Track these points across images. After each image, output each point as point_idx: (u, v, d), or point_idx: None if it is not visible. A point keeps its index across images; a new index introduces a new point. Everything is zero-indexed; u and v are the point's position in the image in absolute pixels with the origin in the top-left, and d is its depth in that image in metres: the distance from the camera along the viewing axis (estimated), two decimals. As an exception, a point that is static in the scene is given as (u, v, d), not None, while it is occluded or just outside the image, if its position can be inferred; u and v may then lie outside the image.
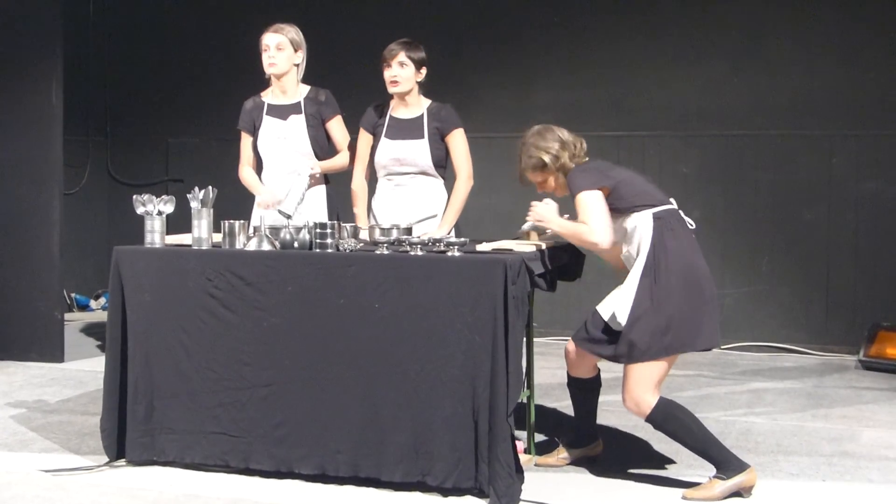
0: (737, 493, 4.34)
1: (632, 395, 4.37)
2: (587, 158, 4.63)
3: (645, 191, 4.46)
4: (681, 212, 4.51)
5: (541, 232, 4.82)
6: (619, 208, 4.42)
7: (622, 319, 4.34)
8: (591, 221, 4.35)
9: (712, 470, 4.36)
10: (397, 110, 5.44)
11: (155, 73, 9.51)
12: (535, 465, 4.80)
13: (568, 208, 4.63)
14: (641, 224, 4.40)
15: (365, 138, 5.52)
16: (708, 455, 4.35)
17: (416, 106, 5.42)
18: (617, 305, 4.38)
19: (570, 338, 4.68)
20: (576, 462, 4.80)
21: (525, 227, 4.81)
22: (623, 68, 8.18)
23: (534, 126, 4.66)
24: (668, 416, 4.34)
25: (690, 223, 4.50)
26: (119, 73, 9.64)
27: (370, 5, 8.78)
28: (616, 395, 5.62)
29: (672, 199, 4.53)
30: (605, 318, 4.42)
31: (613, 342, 4.39)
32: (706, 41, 7.98)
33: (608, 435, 5.20)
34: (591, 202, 4.37)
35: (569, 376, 4.77)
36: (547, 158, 4.54)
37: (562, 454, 4.82)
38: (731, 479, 4.29)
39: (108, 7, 9.62)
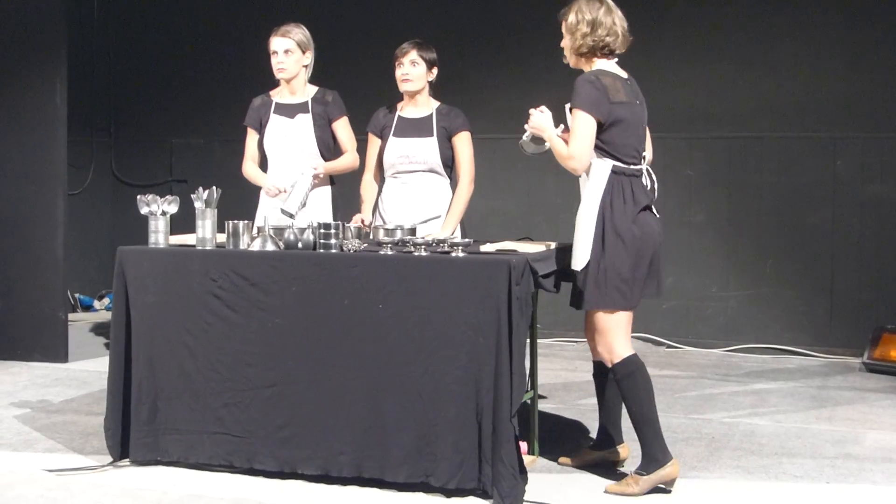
0: (661, 488, 4.36)
1: (605, 340, 4.46)
2: (609, 57, 4.62)
3: (623, 143, 4.47)
4: (647, 170, 4.57)
5: (539, 142, 4.78)
6: (594, 145, 4.44)
7: (576, 265, 4.44)
8: (574, 147, 4.36)
9: (718, 471, 4.36)
10: (405, 110, 5.46)
11: (159, 74, 9.52)
12: (559, 463, 4.79)
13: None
14: (599, 171, 4.43)
15: (373, 143, 5.54)
16: (640, 432, 4.38)
17: (425, 106, 5.45)
18: (573, 252, 4.48)
19: (579, 336, 4.72)
20: (598, 464, 4.77)
21: (525, 136, 4.74)
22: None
23: None
24: (628, 375, 4.40)
25: (648, 179, 4.56)
26: (123, 74, 9.65)
27: (374, 6, 8.79)
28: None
29: (645, 156, 4.60)
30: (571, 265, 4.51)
31: (587, 291, 4.45)
32: (711, 43, 7.97)
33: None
34: (581, 125, 4.38)
35: (593, 363, 4.77)
36: (571, 18, 4.59)
37: (587, 455, 4.80)
38: (652, 473, 4.32)
39: (112, 8, 9.63)
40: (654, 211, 4.53)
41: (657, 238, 4.48)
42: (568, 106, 4.52)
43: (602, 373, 4.76)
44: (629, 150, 4.50)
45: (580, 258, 4.42)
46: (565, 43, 4.67)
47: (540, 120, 4.60)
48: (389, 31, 8.28)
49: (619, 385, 4.45)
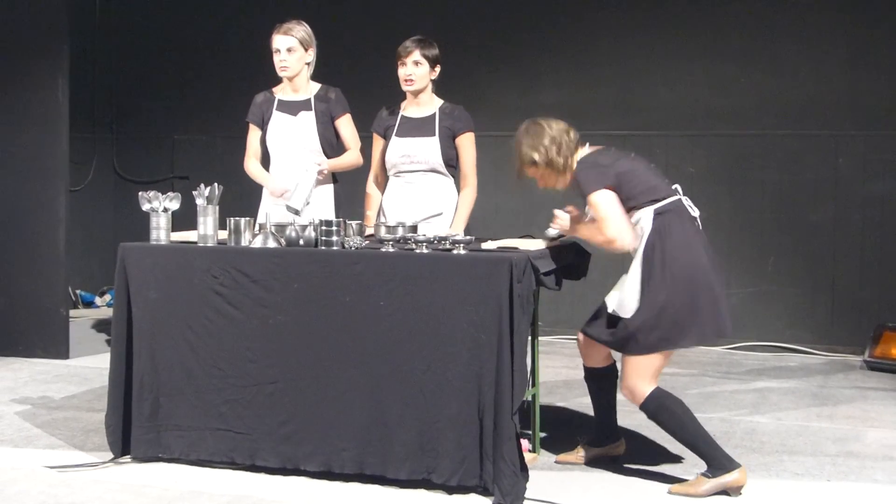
0: (724, 493, 4.35)
1: (627, 384, 4.44)
2: (581, 147, 4.60)
3: (648, 185, 4.46)
4: (684, 199, 4.51)
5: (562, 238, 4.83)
6: (623, 204, 4.42)
7: (622, 312, 4.39)
8: (611, 230, 4.36)
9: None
10: (408, 109, 5.43)
11: (161, 71, 9.52)
12: (556, 462, 4.80)
13: (573, 201, 4.69)
14: (644, 220, 4.42)
15: (377, 143, 5.51)
16: (697, 450, 4.38)
17: (428, 105, 5.41)
18: (619, 298, 4.44)
19: (579, 330, 4.73)
20: (596, 461, 4.79)
21: (551, 233, 4.74)
22: (630, 67, 8.17)
23: (524, 123, 4.65)
24: (661, 407, 4.38)
25: (693, 210, 4.52)
26: (125, 70, 9.65)
27: (377, 2, 8.78)
28: (620, 394, 5.62)
29: (677, 186, 4.55)
30: (609, 308, 4.48)
31: (612, 331, 4.45)
32: (713, 41, 7.97)
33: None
34: (605, 204, 4.39)
35: (584, 368, 4.79)
36: (537, 157, 4.53)
37: (582, 452, 4.81)
38: (717, 477, 4.31)
39: (114, 4, 9.63)
40: (708, 249, 4.48)
41: (712, 275, 4.42)
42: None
43: (593, 377, 4.78)
44: (656, 187, 4.47)
45: (631, 303, 4.38)
46: (549, 177, 4.59)
47: (568, 223, 4.61)
48: (392, 28, 8.28)
49: (656, 421, 4.43)
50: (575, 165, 4.54)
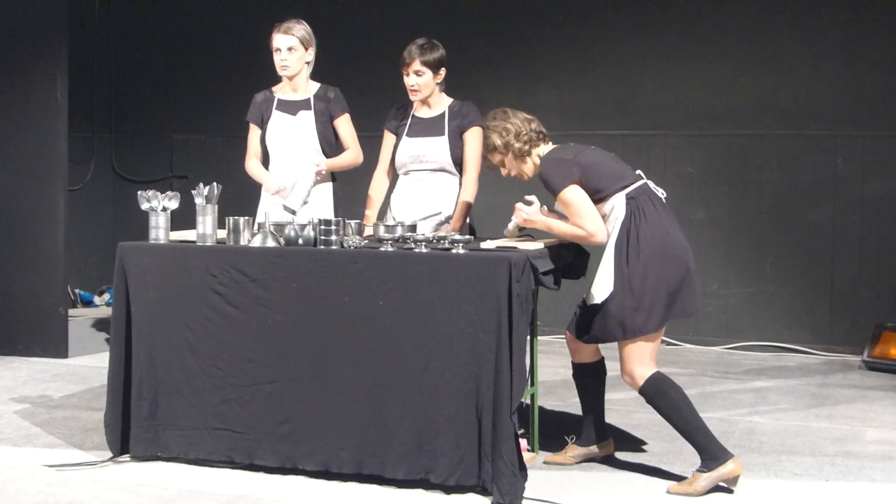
0: (722, 488, 4.36)
1: (626, 370, 4.46)
2: (544, 142, 4.69)
3: (613, 173, 4.51)
4: (649, 182, 4.57)
5: (524, 235, 4.86)
6: (592, 196, 4.46)
7: (598, 299, 4.41)
8: (585, 223, 4.43)
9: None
10: (420, 110, 5.43)
11: (160, 70, 9.52)
12: (545, 462, 4.80)
13: (540, 194, 4.74)
14: (617, 206, 4.46)
15: (388, 140, 5.51)
16: (692, 439, 4.39)
17: (437, 105, 5.41)
18: (593, 287, 4.46)
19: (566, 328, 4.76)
20: (585, 461, 4.80)
21: (510, 226, 4.81)
22: (628, 68, 8.18)
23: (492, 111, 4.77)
24: (659, 392, 4.40)
25: (661, 193, 4.57)
26: (124, 70, 9.65)
27: (377, 2, 8.78)
28: (617, 393, 5.64)
29: (639, 171, 4.61)
30: (589, 301, 4.49)
31: (599, 325, 4.47)
32: (712, 41, 7.97)
33: (611, 433, 5.19)
34: (575, 199, 4.45)
35: (573, 365, 4.80)
36: (498, 140, 4.66)
37: (571, 452, 4.81)
38: (713, 471, 4.32)
39: (113, 3, 9.63)
40: (680, 230, 4.53)
41: (688, 254, 4.47)
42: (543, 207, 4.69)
43: (582, 374, 4.79)
44: (622, 174, 4.52)
45: (603, 289, 4.40)
46: (509, 164, 4.72)
47: (530, 214, 4.65)
48: (392, 27, 8.31)
49: (653, 405, 4.44)
50: (537, 160, 4.64)
